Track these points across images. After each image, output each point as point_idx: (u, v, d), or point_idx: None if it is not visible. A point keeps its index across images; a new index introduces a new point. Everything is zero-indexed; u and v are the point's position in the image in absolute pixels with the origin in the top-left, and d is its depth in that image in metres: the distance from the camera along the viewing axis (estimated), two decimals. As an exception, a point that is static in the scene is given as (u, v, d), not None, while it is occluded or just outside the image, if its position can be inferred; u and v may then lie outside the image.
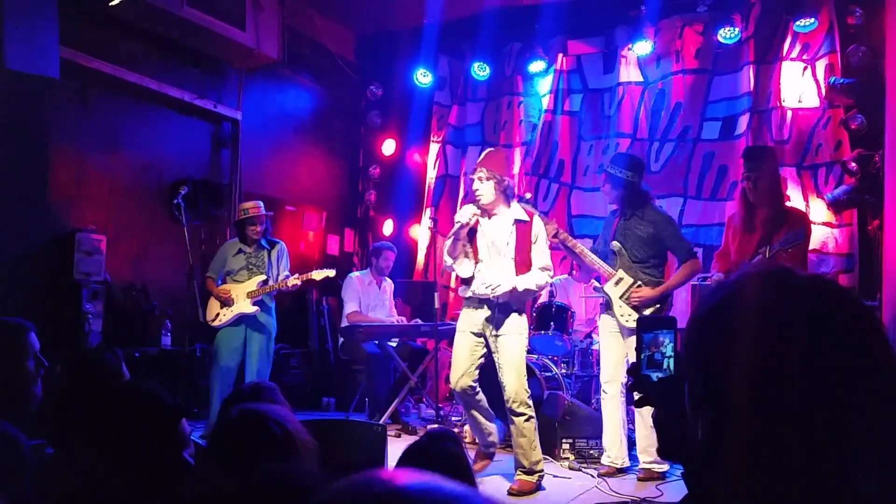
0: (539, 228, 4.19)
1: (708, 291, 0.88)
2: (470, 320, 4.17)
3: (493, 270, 4.10)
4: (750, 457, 0.74)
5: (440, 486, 0.48)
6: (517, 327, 4.09)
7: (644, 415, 4.26)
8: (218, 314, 5.25)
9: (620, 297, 4.36)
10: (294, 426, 1.47)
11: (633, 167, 4.45)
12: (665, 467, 4.32)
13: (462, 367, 4.09)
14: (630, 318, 4.30)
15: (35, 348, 2.07)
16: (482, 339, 4.15)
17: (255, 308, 5.23)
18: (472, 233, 4.16)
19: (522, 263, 4.11)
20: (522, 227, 4.15)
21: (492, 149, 4.72)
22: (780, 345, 0.74)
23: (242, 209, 5.44)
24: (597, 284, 4.69)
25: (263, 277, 5.29)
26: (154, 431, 1.61)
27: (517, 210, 4.19)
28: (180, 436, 1.66)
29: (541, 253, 4.19)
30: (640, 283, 4.35)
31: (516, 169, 7.34)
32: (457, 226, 4.07)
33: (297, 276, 5.31)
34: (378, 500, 0.47)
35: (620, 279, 4.39)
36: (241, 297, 5.25)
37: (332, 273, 5.42)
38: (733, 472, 0.75)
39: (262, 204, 5.44)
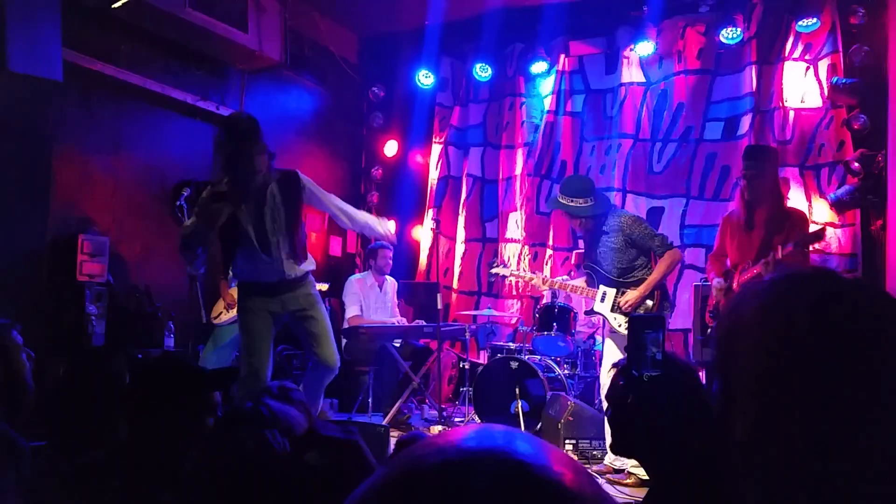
0: None
1: (746, 292, 0.88)
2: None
3: None
4: (793, 453, 0.75)
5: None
6: None
7: None
8: (220, 313, 5.49)
9: (611, 311, 4.36)
10: (282, 412, 1.53)
11: (584, 192, 4.35)
12: None
13: None
14: (624, 325, 4.31)
15: (20, 343, 2.10)
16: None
17: None
18: None
19: None
20: None
21: None
22: (820, 346, 0.75)
23: None
24: (586, 309, 4.71)
25: None
26: (193, 399, 1.73)
27: None
28: (213, 404, 1.78)
29: None
30: (623, 289, 4.34)
31: (518, 170, 7.34)
32: None
33: None
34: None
35: (605, 294, 4.41)
36: None
37: (324, 287, 5.51)
38: (768, 468, 0.77)
39: None
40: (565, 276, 5.42)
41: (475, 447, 0.48)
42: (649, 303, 4.28)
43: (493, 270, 4.99)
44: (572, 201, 4.33)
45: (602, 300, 4.41)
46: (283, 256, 3.77)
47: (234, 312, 5.40)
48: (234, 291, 5.47)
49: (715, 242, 4.62)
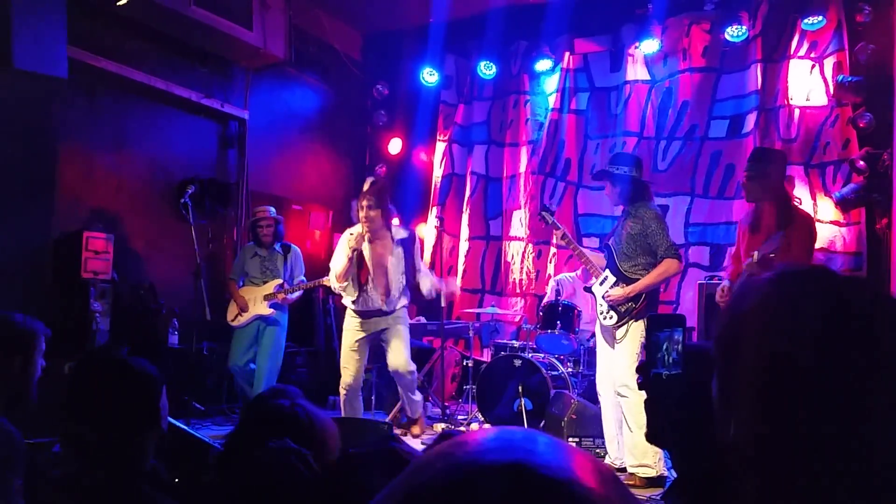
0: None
1: (744, 290, 0.87)
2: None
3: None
4: (789, 454, 0.75)
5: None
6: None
7: (630, 416, 4.11)
8: (237, 315, 5.56)
9: (602, 296, 4.31)
10: (318, 417, 1.48)
11: (634, 163, 4.36)
12: (652, 473, 4.05)
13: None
14: (607, 317, 4.25)
15: (43, 350, 2.10)
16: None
17: (272, 310, 5.50)
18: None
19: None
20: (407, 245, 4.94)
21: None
22: (820, 345, 0.74)
23: (254, 212, 5.77)
24: (587, 284, 4.65)
25: (280, 281, 5.54)
26: (136, 401, 1.64)
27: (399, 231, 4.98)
28: (162, 407, 1.70)
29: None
30: (620, 282, 4.24)
31: (522, 168, 7.34)
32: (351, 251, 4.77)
33: (312, 282, 5.59)
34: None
35: (605, 278, 4.33)
36: (259, 299, 5.53)
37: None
38: (767, 468, 0.76)
39: (272, 209, 5.73)
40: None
41: (496, 459, 0.46)
42: (632, 304, 4.18)
43: (543, 213, 4.90)
44: (617, 169, 4.33)
45: (601, 283, 4.35)
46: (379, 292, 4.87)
47: (248, 315, 5.50)
48: (243, 292, 5.58)
49: (735, 240, 4.60)
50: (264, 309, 5.48)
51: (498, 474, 0.45)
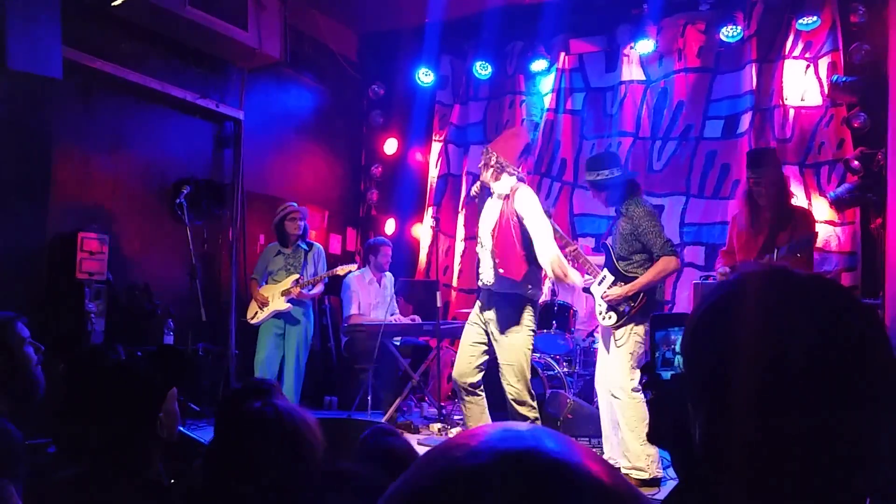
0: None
1: (708, 290, 0.87)
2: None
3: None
4: (750, 455, 0.74)
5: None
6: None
7: (622, 419, 4.11)
8: (256, 313, 5.65)
9: (601, 297, 4.28)
10: (290, 413, 1.48)
11: (609, 164, 4.33)
12: (644, 476, 4.04)
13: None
14: (606, 317, 4.23)
15: (27, 335, 2.07)
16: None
17: (289, 305, 5.57)
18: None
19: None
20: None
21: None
22: (781, 344, 0.73)
23: (280, 208, 5.82)
24: (585, 286, 4.62)
25: (297, 276, 5.60)
26: (132, 404, 1.63)
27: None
28: (171, 413, 1.68)
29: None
30: (619, 281, 4.20)
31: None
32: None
33: (327, 272, 5.73)
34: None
35: (604, 278, 4.30)
36: (276, 295, 5.60)
37: (353, 267, 5.91)
38: (733, 470, 0.75)
39: (295, 204, 5.89)
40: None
41: (510, 447, 0.49)
42: (630, 303, 4.15)
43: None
44: (598, 175, 4.28)
45: (599, 283, 4.32)
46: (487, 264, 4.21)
47: (266, 312, 5.57)
48: (264, 290, 5.65)
49: (727, 238, 4.60)
50: (282, 304, 5.56)
51: (514, 459, 0.48)
